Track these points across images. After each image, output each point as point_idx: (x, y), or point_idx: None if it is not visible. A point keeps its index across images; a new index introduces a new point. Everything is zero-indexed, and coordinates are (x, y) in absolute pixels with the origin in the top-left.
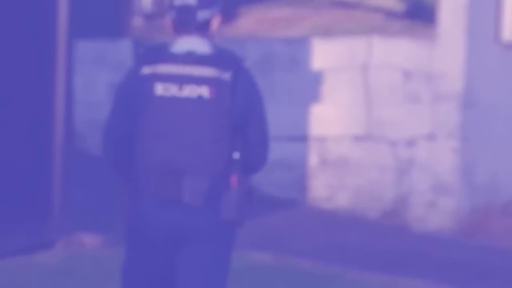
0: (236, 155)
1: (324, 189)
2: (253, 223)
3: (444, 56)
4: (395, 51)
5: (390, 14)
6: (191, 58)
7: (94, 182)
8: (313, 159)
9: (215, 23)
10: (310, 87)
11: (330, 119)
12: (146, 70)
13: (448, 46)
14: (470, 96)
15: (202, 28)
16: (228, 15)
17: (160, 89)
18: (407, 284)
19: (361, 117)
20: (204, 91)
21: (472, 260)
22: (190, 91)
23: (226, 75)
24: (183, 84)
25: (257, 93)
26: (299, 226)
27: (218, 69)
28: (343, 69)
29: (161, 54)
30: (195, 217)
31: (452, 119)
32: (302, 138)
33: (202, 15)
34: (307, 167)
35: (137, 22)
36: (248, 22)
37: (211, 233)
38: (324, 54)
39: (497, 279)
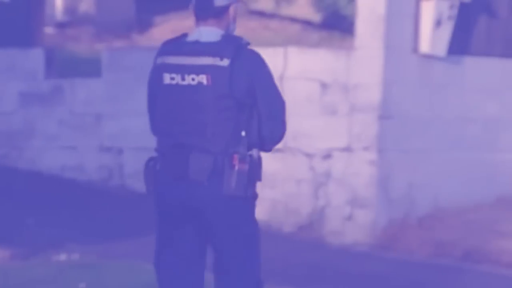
0: (243, 133)
1: None
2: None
3: (361, 67)
4: (312, 62)
5: (307, 24)
6: (195, 48)
7: (1, 196)
8: None
9: (232, 11)
10: None
11: None
12: (159, 60)
13: (365, 57)
14: (387, 107)
15: (219, 15)
16: (142, 24)
17: (167, 78)
18: None
19: None
20: (202, 78)
21: (389, 273)
22: (190, 79)
23: (225, 62)
24: (184, 73)
25: (262, 73)
26: None
27: (217, 57)
28: None
29: (173, 45)
30: (200, 191)
31: (369, 131)
32: None
33: (219, 2)
34: None
35: (49, 31)
36: (163, 31)
37: (217, 206)
38: None
39: None
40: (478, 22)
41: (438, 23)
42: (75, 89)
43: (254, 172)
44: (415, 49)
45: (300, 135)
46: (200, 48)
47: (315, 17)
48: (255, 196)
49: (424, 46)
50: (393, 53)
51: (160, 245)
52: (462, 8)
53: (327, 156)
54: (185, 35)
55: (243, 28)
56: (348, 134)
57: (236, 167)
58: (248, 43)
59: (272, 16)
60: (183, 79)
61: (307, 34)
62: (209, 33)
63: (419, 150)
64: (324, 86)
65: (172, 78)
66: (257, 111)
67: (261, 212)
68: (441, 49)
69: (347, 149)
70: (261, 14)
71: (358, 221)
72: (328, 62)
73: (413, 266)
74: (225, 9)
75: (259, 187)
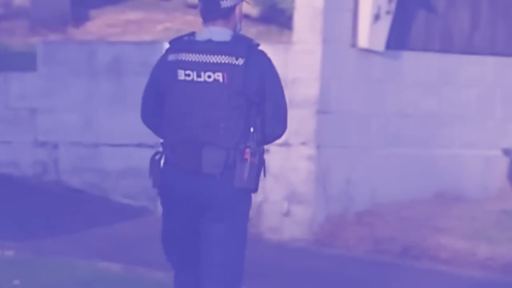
0: (252, 129)
1: None
2: (103, 232)
3: (299, 62)
4: None
5: (244, 18)
6: (209, 46)
7: None
8: None
9: (238, 11)
10: None
11: None
12: (171, 57)
13: (303, 52)
14: (325, 102)
15: (226, 16)
16: (78, 18)
17: (182, 74)
18: None
19: None
20: (218, 75)
21: (327, 269)
22: (206, 76)
23: (240, 61)
24: (200, 70)
25: (271, 74)
26: (150, 235)
27: (232, 56)
28: None
29: (184, 43)
30: (212, 185)
31: (307, 126)
32: (152, 145)
33: (225, 3)
34: None
35: None
36: (99, 25)
37: (226, 199)
38: None
39: None
40: (417, 16)
41: (376, 17)
42: (10, 83)
43: (262, 166)
44: (353, 43)
45: None
46: (214, 47)
47: (253, 11)
48: (255, 190)
49: (363, 40)
50: (331, 48)
51: (168, 237)
52: (401, 2)
53: (265, 151)
54: (193, 33)
55: (180, 21)
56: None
57: (248, 161)
58: (258, 44)
59: None
60: (198, 76)
61: (244, 28)
62: (219, 32)
63: (357, 146)
64: None
65: (188, 75)
66: (263, 109)
67: None
68: (380, 44)
69: (285, 144)
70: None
71: (296, 217)
72: None
73: (351, 262)
74: (231, 9)
75: None
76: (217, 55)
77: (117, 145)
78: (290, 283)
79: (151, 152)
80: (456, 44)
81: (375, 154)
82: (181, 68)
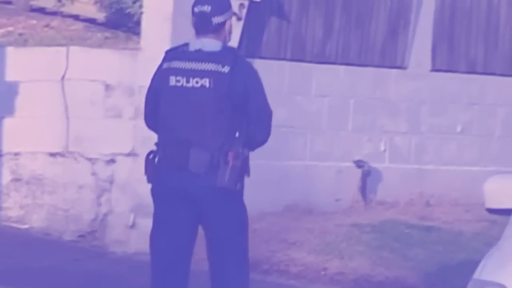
0: (237, 133)
1: (17, 209)
2: None
3: (147, 69)
4: (95, 63)
5: (91, 23)
6: (198, 55)
7: None
8: (5, 177)
9: (228, 26)
10: (3, 99)
11: (24, 133)
12: (165, 65)
13: (151, 59)
14: None
15: (217, 30)
16: None
17: (173, 80)
18: None
19: (58, 132)
20: (205, 81)
21: None
22: (195, 81)
23: (226, 68)
24: (189, 77)
25: (255, 81)
26: None
27: (219, 64)
28: (40, 81)
29: (178, 53)
30: (197, 182)
31: (154, 136)
32: None
33: (216, 19)
34: None
35: None
36: None
37: (211, 194)
38: (19, 65)
39: None
40: (269, 24)
41: None
42: None
43: (245, 168)
44: None
45: (82, 139)
46: (203, 56)
47: (99, 15)
48: (243, 188)
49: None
50: None
51: (156, 226)
52: (252, 9)
53: (111, 161)
54: (186, 44)
55: (22, 27)
56: (132, 139)
57: (230, 163)
58: (242, 55)
59: (54, 14)
60: (187, 81)
61: (91, 34)
62: (210, 43)
63: None
64: (108, 88)
65: (178, 81)
66: (247, 115)
67: (39, 219)
68: None
69: (132, 154)
70: (42, 11)
71: (142, 229)
72: (112, 63)
73: (198, 276)
74: (222, 24)
75: (38, 193)
76: (205, 63)
77: None
78: None
79: None
80: (308, 53)
81: None
82: (172, 75)
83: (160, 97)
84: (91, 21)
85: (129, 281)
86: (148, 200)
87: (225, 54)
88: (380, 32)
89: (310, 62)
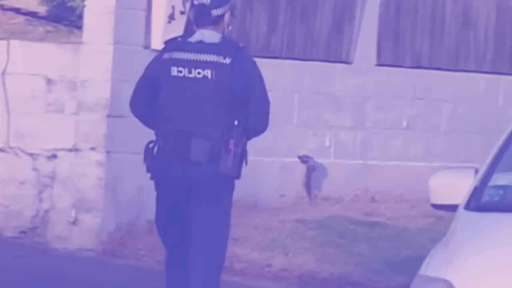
0: (236, 122)
1: None
2: None
3: (89, 63)
4: (36, 57)
5: (31, 16)
6: (200, 47)
7: None
8: None
9: (227, 18)
10: None
11: None
12: (166, 56)
13: (94, 53)
14: (116, 106)
15: (216, 22)
16: None
17: (174, 70)
18: None
19: None
20: (207, 72)
21: (115, 280)
22: (196, 72)
23: (227, 60)
24: (191, 67)
25: (255, 73)
26: None
27: (220, 55)
28: None
29: (178, 43)
30: (199, 171)
31: (97, 131)
32: None
33: (215, 12)
34: None
35: None
36: None
37: (211, 183)
38: None
39: None
40: None
41: (170, 18)
42: None
43: (244, 155)
44: (147, 45)
45: (23, 134)
46: (205, 47)
47: (40, 9)
48: (238, 177)
49: (156, 42)
50: (123, 49)
51: (159, 212)
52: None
53: (52, 156)
54: (183, 36)
55: None
56: (75, 134)
57: (232, 151)
58: (245, 46)
59: None
60: (189, 72)
61: (31, 27)
62: (210, 35)
63: None
64: (49, 82)
65: (180, 71)
66: (246, 105)
67: None
68: None
69: (74, 149)
70: None
71: (84, 226)
72: (54, 57)
73: (141, 273)
74: (221, 17)
75: None
76: (207, 54)
77: None
78: None
79: None
80: (252, 47)
81: None
82: (174, 65)
83: (157, 87)
84: (33, 14)
85: (71, 277)
86: (91, 195)
87: (226, 46)
88: (325, 26)
89: (255, 56)
